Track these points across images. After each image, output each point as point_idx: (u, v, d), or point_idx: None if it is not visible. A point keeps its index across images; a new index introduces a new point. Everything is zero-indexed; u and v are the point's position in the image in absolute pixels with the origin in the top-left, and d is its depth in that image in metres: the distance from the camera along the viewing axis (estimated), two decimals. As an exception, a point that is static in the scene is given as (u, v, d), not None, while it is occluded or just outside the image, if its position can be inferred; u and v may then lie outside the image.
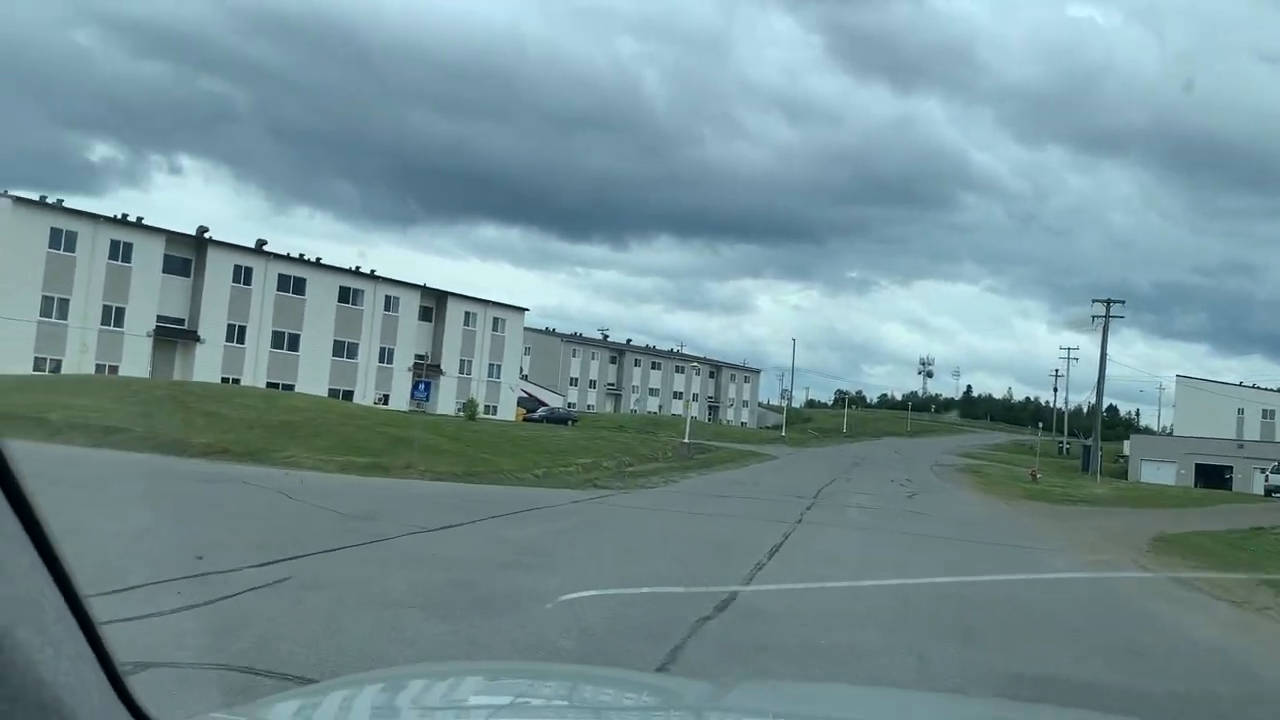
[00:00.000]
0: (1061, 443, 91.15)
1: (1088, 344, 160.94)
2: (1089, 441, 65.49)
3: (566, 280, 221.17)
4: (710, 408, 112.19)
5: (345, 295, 60.36)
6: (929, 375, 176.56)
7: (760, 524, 17.35)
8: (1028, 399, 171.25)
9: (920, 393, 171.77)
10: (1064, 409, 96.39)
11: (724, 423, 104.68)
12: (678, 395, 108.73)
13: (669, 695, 2.17)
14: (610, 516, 17.08)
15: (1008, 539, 19.33)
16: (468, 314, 68.22)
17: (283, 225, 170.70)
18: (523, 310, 74.01)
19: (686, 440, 43.86)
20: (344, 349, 60.16)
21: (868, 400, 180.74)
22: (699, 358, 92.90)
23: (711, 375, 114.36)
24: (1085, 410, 78.88)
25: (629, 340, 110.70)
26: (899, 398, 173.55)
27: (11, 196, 44.98)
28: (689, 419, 48.93)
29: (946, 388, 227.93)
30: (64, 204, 48.03)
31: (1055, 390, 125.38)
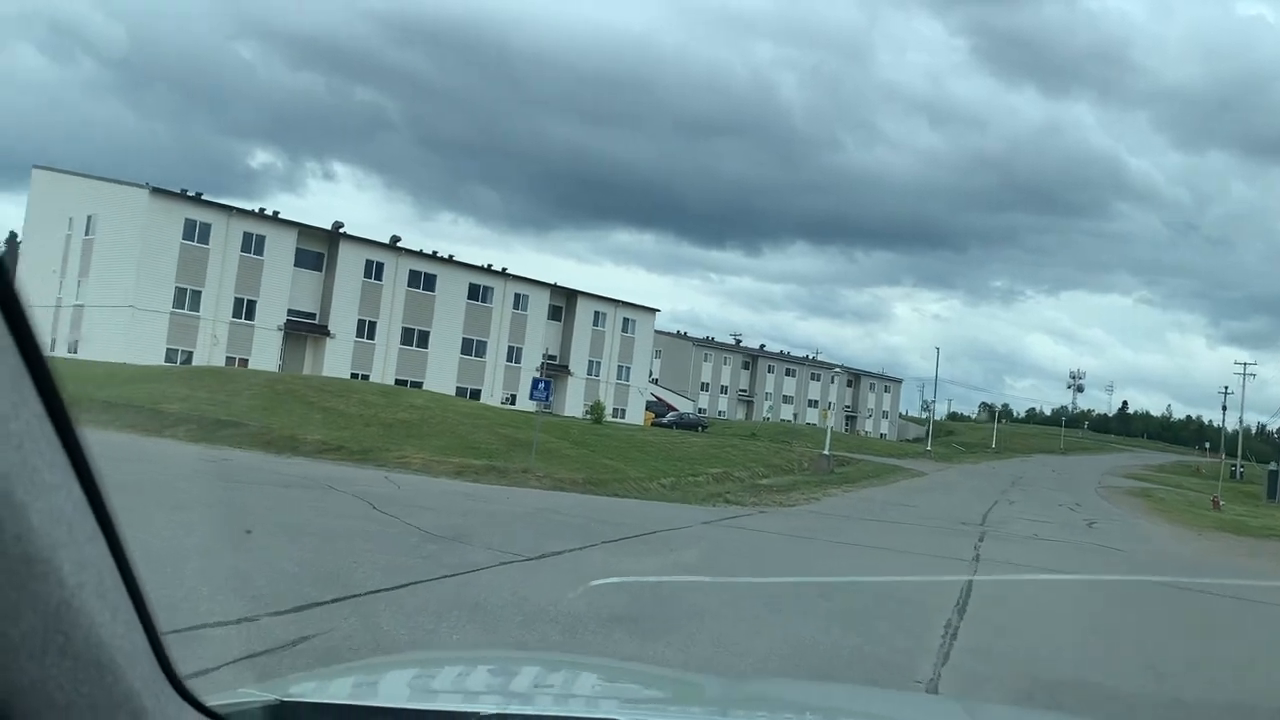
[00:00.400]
0: (1235, 465, 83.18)
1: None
2: (1273, 466, 58.76)
3: (698, 286, 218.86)
4: (848, 418, 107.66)
5: (475, 293, 59.26)
6: (1079, 390, 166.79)
7: (930, 563, 14.23)
8: (1189, 417, 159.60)
9: (1070, 408, 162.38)
10: (1238, 429, 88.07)
11: (862, 434, 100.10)
12: (813, 404, 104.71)
13: (690, 688, 2.18)
14: (745, 546, 14.25)
15: (1262, 593, 15.33)
16: (597, 314, 66.30)
17: (428, 230, 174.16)
18: (654, 311, 71.69)
19: (827, 452, 40.53)
20: (472, 347, 59.06)
21: (1014, 414, 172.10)
22: (837, 365, 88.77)
23: (850, 384, 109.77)
24: (1259, 431, 71.36)
25: (762, 345, 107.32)
26: (1048, 412, 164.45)
27: (149, 187, 45.22)
28: (829, 429, 45.47)
29: (1097, 403, 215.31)
30: (201, 196, 48.08)
31: (1224, 409, 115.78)
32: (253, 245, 49.24)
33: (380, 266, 54.68)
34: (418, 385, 51.01)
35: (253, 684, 1.47)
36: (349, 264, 53.19)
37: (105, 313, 45.32)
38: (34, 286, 50.40)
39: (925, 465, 54.30)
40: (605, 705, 1.73)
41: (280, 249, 50.42)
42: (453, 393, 50.87)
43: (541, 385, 26.39)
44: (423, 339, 56.60)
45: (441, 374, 56.18)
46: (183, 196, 47.19)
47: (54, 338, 47.62)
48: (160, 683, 0.86)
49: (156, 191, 45.65)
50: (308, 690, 1.47)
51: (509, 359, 60.94)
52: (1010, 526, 22.86)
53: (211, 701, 1.01)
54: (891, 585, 11.63)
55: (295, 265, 51.18)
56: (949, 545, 16.83)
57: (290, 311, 51.13)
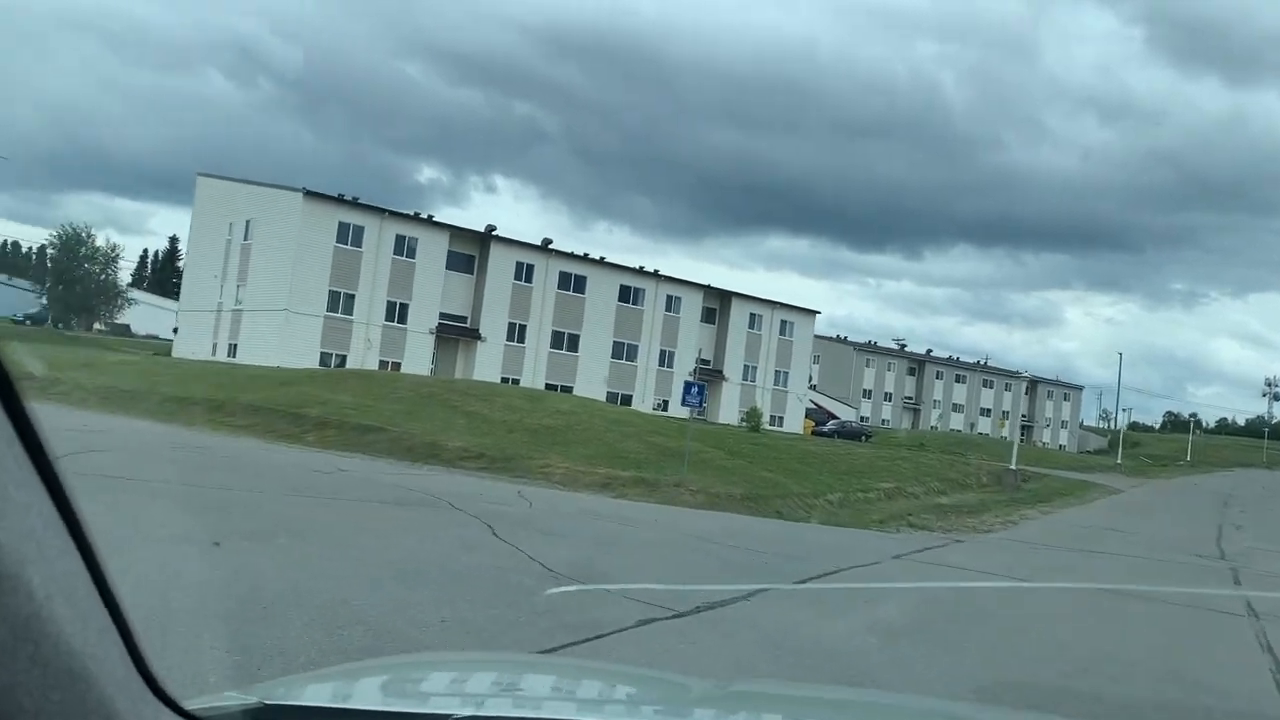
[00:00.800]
0: None
1: None
2: None
3: (855, 290, 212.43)
4: (1023, 427, 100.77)
5: (626, 294, 57.35)
6: (1276, 398, 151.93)
7: (1196, 617, 10.87)
8: None
9: (1267, 416, 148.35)
10: None
11: (1039, 445, 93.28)
12: (984, 412, 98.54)
13: (677, 690, 2.18)
14: (960, 599, 11.19)
15: None
16: (753, 316, 63.30)
17: (584, 239, 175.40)
18: (813, 313, 68.15)
19: (1014, 466, 36.44)
20: (623, 351, 57.17)
21: (1203, 424, 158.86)
22: (1012, 371, 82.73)
23: (1026, 392, 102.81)
24: None
25: (929, 350, 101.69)
26: (1241, 422, 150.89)
27: (303, 190, 45.21)
28: (1016, 441, 41.20)
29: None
30: (357, 200, 47.90)
31: None
32: (405, 248, 48.74)
33: (530, 269, 53.46)
34: (568, 390, 49.43)
35: (234, 687, 1.45)
36: (499, 266, 52.16)
37: (262, 317, 45.64)
38: (196, 291, 51.63)
39: (1117, 480, 48.99)
40: (587, 709, 1.71)
41: (432, 252, 49.77)
42: (603, 398, 49.06)
43: (694, 390, 23.84)
44: (572, 342, 55.07)
45: (591, 378, 54.51)
46: (336, 200, 47.09)
47: (215, 342, 48.43)
48: (137, 686, 0.86)
49: (310, 195, 45.64)
50: (289, 694, 1.46)
51: (661, 363, 58.76)
52: (1258, 561, 18.80)
53: (191, 705, 1.02)
54: (1165, 661, 8.44)
55: (447, 268, 50.49)
56: (1201, 577, 13.36)
57: (442, 315, 50.45)
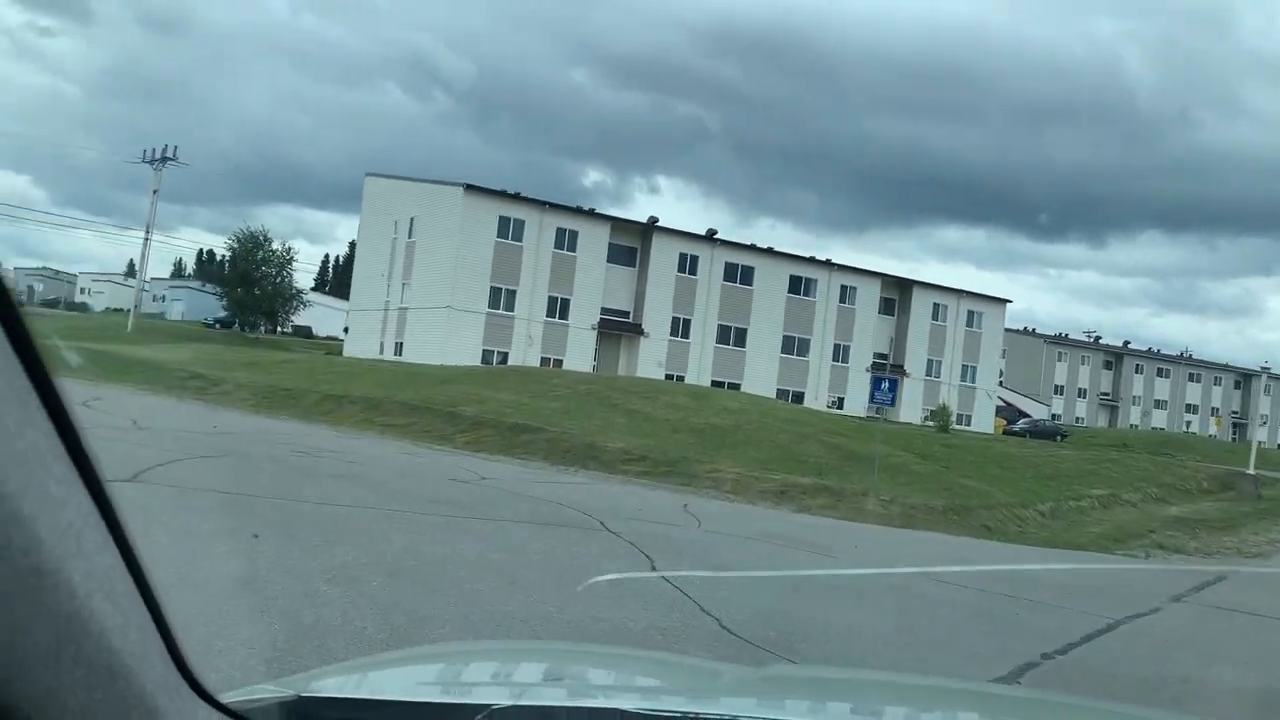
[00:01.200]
0: None
1: None
2: None
3: (1036, 282, 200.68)
4: (1233, 424, 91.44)
5: (796, 285, 54.17)
6: None
7: None
8: None
9: None
10: None
11: (1256, 444, 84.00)
12: (1189, 409, 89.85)
13: (710, 675, 2.18)
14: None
15: None
16: (937, 306, 58.84)
17: (747, 236, 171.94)
18: (1003, 302, 62.90)
19: (1251, 470, 31.54)
20: (794, 345, 54.01)
21: None
22: (1221, 364, 74.73)
23: (1237, 386, 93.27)
24: None
25: (1126, 343, 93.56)
26: None
27: (464, 185, 44.39)
28: (1255, 442, 35.96)
29: None
30: (519, 194, 46.83)
31: None
32: (566, 241, 47.29)
33: (694, 260, 51.09)
34: (735, 387, 46.86)
35: (269, 680, 1.42)
36: (662, 258, 50.04)
37: (425, 314, 45.13)
38: (365, 291, 51.80)
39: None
40: (621, 696, 1.67)
41: (593, 244, 48.15)
42: (772, 395, 46.19)
43: (884, 385, 20.85)
44: (739, 337, 52.38)
45: (760, 374, 51.68)
46: (497, 193, 46.09)
47: (382, 341, 48.39)
48: (176, 682, 0.88)
49: (471, 189, 44.76)
50: (324, 685, 1.47)
51: (835, 358, 55.28)
52: None
53: (228, 698, 1.03)
54: None
55: (608, 261, 48.75)
56: None
57: (603, 309, 48.73)
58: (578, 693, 1.74)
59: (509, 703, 1.34)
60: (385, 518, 9.61)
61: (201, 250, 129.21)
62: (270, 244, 63.53)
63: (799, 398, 51.34)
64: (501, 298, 45.53)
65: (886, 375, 21.23)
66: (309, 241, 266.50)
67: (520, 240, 45.91)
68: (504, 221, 45.53)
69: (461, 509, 10.93)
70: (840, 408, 51.28)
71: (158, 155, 54.19)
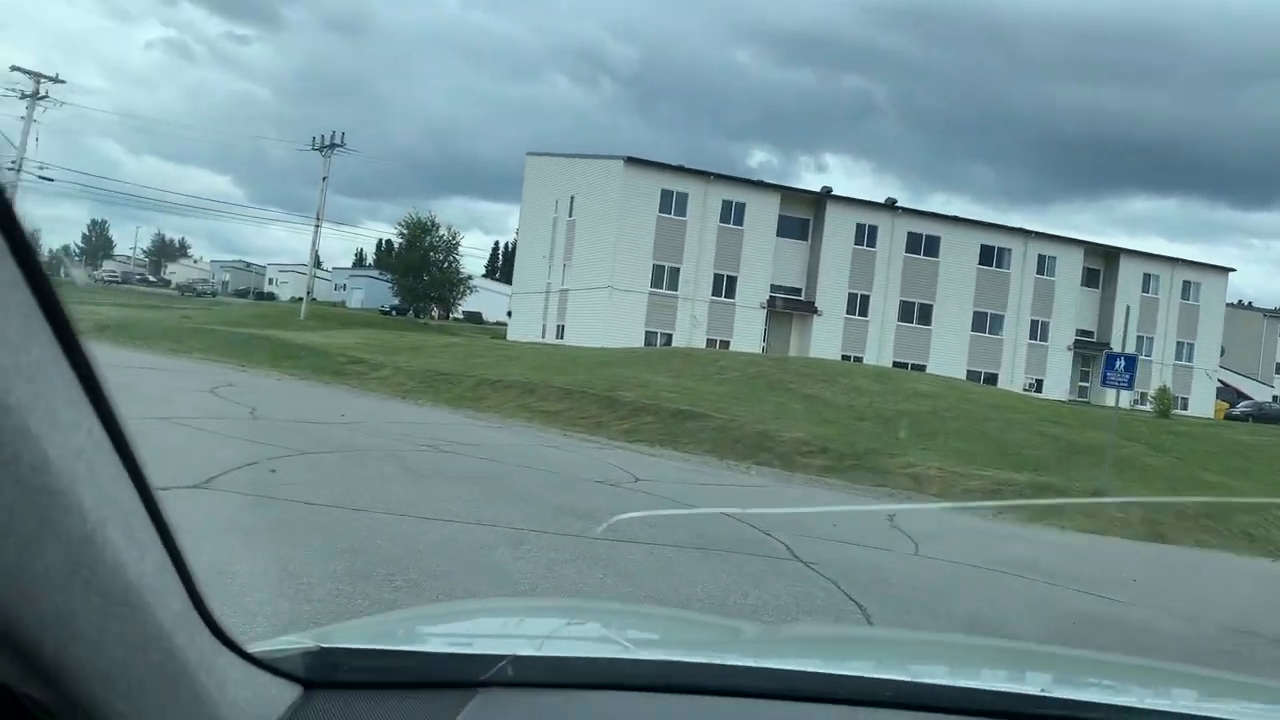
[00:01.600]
0: None
1: None
2: None
3: (1237, 254, 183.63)
4: None
5: (988, 256, 49.44)
6: None
7: None
8: None
9: None
10: None
11: None
12: None
13: (730, 632, 2.19)
14: None
15: None
16: (1147, 277, 52.67)
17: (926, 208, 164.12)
18: (1226, 272, 55.99)
19: None
20: (985, 322, 49.37)
21: None
22: None
23: None
24: None
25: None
26: None
27: (624, 158, 42.35)
28: None
29: None
30: (681, 166, 44.39)
31: None
32: (732, 214, 44.56)
33: (873, 231, 47.26)
34: (919, 369, 42.95)
35: (291, 632, 1.42)
36: (837, 230, 46.49)
37: (586, 296, 43.52)
38: (527, 274, 50.70)
39: None
40: (642, 648, 1.68)
41: (761, 217, 45.15)
42: (962, 376, 42.08)
43: (1120, 364, 17.12)
44: (924, 314, 48.22)
45: (947, 355, 47.44)
46: (658, 166, 43.86)
47: (544, 324, 47.11)
48: (196, 624, 0.86)
49: (631, 162, 42.72)
50: (347, 636, 1.45)
51: (1032, 335, 50.27)
52: None
53: (251, 649, 1.03)
54: None
55: (778, 235, 45.62)
56: None
57: (773, 286, 45.71)
58: (599, 644, 1.75)
59: (530, 653, 1.34)
60: (504, 540, 7.21)
61: (380, 240, 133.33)
62: (437, 229, 63.61)
63: (991, 379, 46.86)
64: (664, 276, 43.39)
65: (1123, 354, 17.45)
66: (483, 232, 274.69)
67: (684, 215, 43.59)
68: (666, 195, 43.28)
69: (603, 518, 8.42)
70: (1039, 390, 46.52)
71: (326, 143, 54.63)
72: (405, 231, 63.69)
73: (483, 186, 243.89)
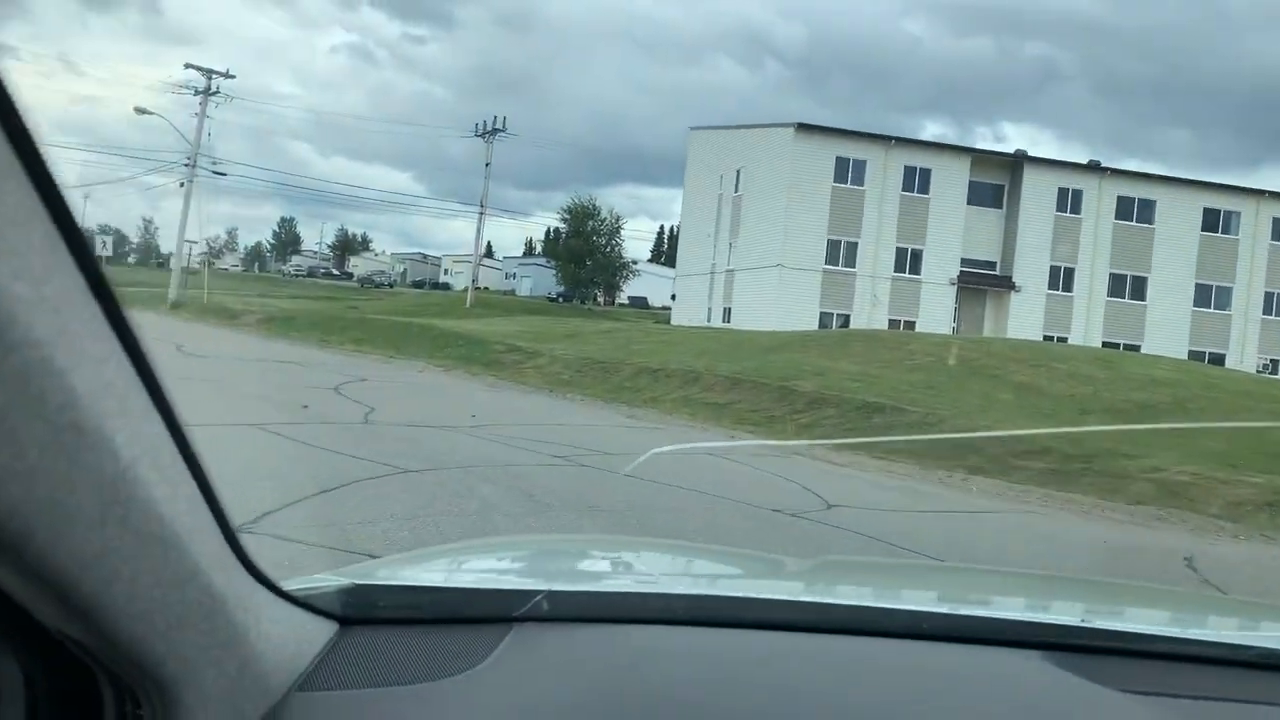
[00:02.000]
0: None
1: None
2: None
3: None
4: None
5: (1212, 221, 43.55)
6: None
7: None
8: None
9: None
10: None
11: None
12: None
13: (772, 565, 2.14)
14: None
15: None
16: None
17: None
18: None
19: None
20: (1209, 295, 43.58)
21: None
22: None
23: None
24: None
25: None
26: None
27: (795, 125, 39.32)
28: None
29: None
30: (859, 131, 41.00)
31: None
32: (915, 182, 40.82)
33: (1077, 196, 42.32)
34: (1133, 349, 38.06)
35: (327, 571, 1.40)
36: (1036, 196, 41.86)
37: (754, 275, 40.88)
38: (691, 254, 48.63)
39: None
40: (679, 582, 1.69)
41: (949, 184, 41.21)
42: (1183, 356, 36.97)
43: None
44: (1137, 287, 42.93)
45: (1165, 333, 42.08)
46: (831, 131, 40.65)
47: (709, 307, 44.80)
48: (230, 562, 0.86)
49: (803, 128, 39.67)
50: (381, 574, 1.48)
51: (1267, 309, 44.09)
52: None
53: (286, 585, 1.04)
54: None
55: (968, 203, 41.58)
56: None
57: (963, 260, 41.69)
58: (636, 578, 1.74)
59: (565, 587, 1.34)
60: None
61: (549, 229, 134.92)
62: (599, 214, 62.35)
63: (1218, 360, 41.21)
64: (840, 252, 40.16)
65: None
66: (649, 217, 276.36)
67: (861, 184, 40.23)
68: (841, 163, 40.02)
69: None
70: (1273, 371, 40.62)
71: (489, 128, 53.99)
72: (568, 217, 62.74)
73: (647, 172, 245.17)
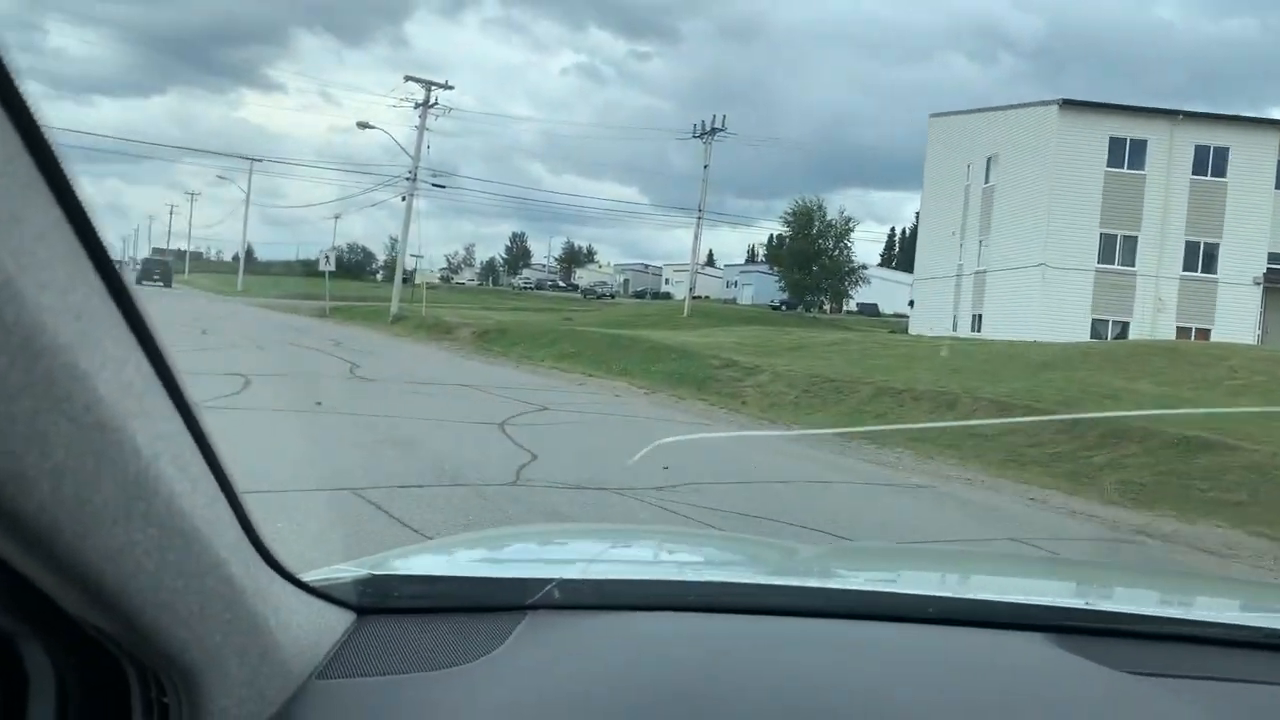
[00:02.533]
0: None
1: None
2: None
3: None
4: None
5: None
6: None
7: None
8: None
9: None
10: None
11: None
12: None
13: (785, 552, 2.12)
14: None
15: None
16: None
17: None
18: None
19: None
20: None
21: None
22: None
23: None
24: None
25: None
26: None
27: (1059, 102, 34.73)
28: None
29: None
30: (1138, 106, 35.84)
31: None
32: (1209, 163, 35.63)
33: None
34: None
35: (346, 560, 1.42)
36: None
37: (1010, 277, 36.76)
38: (931, 256, 44.71)
39: None
40: (691, 570, 1.73)
41: (1252, 164, 35.67)
42: None
43: None
44: None
45: None
46: (1105, 107, 35.97)
47: (954, 314, 40.46)
48: (250, 554, 0.90)
49: (1069, 105, 35.29)
50: (397, 564, 1.50)
51: None
52: None
53: (304, 576, 1.07)
54: None
55: (1276, 188, 35.89)
56: None
57: (1271, 256, 36.05)
58: (647, 566, 1.76)
59: (577, 575, 1.37)
60: None
61: (771, 236, 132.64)
62: (824, 216, 58.71)
63: None
64: (1116, 248, 35.56)
65: None
66: (877, 222, 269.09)
67: (1141, 167, 35.37)
68: (1116, 144, 35.29)
69: None
70: None
71: (707, 129, 51.59)
72: (791, 221, 59.48)
73: (875, 175, 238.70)
